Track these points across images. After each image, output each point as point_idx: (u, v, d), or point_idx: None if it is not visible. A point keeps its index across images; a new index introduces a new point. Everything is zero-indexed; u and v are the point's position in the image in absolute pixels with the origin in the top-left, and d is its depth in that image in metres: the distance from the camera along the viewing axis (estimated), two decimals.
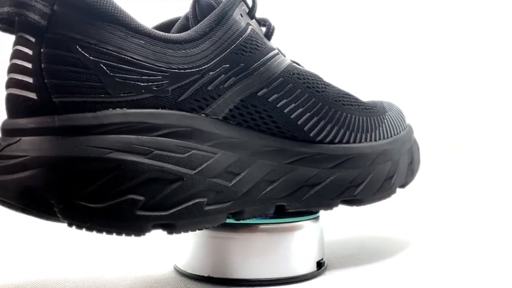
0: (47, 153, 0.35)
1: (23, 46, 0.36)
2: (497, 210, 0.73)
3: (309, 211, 0.46)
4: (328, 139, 0.45)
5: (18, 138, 0.36)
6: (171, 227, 0.38)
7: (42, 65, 0.36)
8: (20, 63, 0.36)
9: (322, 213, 0.47)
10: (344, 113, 0.46)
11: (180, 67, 0.39)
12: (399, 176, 0.50)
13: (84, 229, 0.36)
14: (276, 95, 0.43)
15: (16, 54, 0.37)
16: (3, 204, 0.37)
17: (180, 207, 0.38)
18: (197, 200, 0.38)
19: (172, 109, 0.39)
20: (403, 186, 0.51)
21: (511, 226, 0.64)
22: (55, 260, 0.52)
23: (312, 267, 0.46)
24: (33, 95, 0.36)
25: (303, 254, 0.45)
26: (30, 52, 0.36)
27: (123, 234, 0.37)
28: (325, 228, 0.48)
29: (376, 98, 0.53)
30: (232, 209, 0.41)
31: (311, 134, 0.44)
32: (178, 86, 0.39)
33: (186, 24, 0.45)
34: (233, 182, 0.40)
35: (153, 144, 0.37)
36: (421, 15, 1.00)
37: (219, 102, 0.41)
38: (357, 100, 0.48)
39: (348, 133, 0.46)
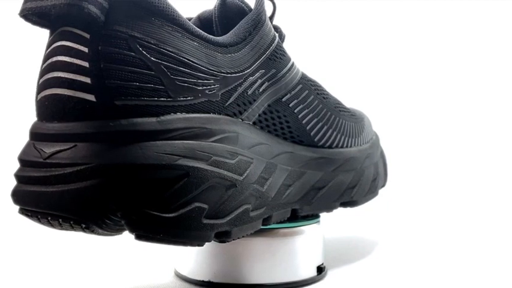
0: (113, 161, 0.32)
1: (74, 42, 0.33)
2: (496, 209, 0.73)
3: (310, 215, 0.47)
4: (327, 143, 0.46)
5: (73, 144, 0.33)
6: (227, 235, 0.37)
7: (102, 65, 0.33)
8: (70, 61, 0.33)
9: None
10: (341, 119, 0.48)
11: (228, 71, 0.38)
12: (380, 178, 0.53)
13: (154, 241, 0.34)
14: (295, 100, 0.44)
15: (63, 51, 0.34)
16: (44, 219, 0.34)
17: (234, 214, 0.37)
18: (245, 206, 0.38)
19: (220, 114, 0.38)
20: (382, 187, 0.54)
21: (509, 225, 0.65)
22: (53, 265, 0.50)
23: (313, 272, 0.46)
24: (90, 97, 0.33)
25: (303, 259, 0.45)
26: (85, 50, 0.33)
27: (188, 245, 0.36)
28: (324, 232, 0.49)
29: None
30: (265, 214, 0.41)
31: (315, 139, 0.45)
32: (227, 91, 0.38)
33: (199, 25, 0.44)
34: (265, 188, 0.40)
35: (211, 150, 0.36)
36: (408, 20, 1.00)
37: (253, 107, 0.41)
38: (346, 107, 0.50)
39: (342, 138, 0.48)
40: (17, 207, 0.35)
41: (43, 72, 0.34)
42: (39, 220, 0.34)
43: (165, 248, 0.48)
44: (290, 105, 0.44)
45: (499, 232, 0.62)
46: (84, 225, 0.33)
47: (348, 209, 0.50)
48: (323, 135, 0.46)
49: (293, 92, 0.44)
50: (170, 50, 0.35)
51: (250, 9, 0.43)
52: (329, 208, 0.47)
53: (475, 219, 0.68)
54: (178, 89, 0.35)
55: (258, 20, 0.42)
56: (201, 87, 0.36)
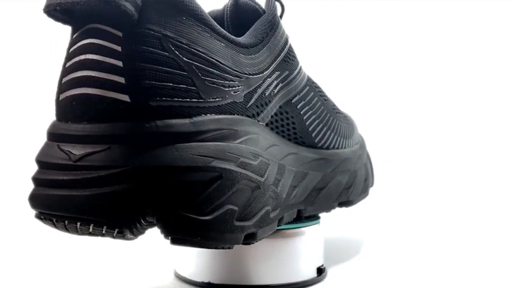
0: (149, 163, 0.31)
1: (105, 40, 0.32)
2: (492, 209, 0.72)
3: (312, 216, 0.47)
4: (326, 144, 0.47)
5: (106, 146, 0.31)
6: (253, 237, 0.37)
7: (136, 64, 0.32)
8: (101, 59, 0.32)
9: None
10: (337, 121, 0.49)
11: (251, 72, 0.38)
12: (370, 178, 0.54)
13: (189, 244, 0.34)
14: (303, 102, 0.44)
15: (92, 49, 0.32)
16: (71, 225, 0.33)
17: (258, 216, 0.37)
18: (266, 208, 0.38)
19: (242, 115, 0.38)
20: (371, 187, 0.55)
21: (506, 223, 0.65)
22: (54, 266, 0.49)
23: (313, 273, 0.46)
24: (125, 97, 0.32)
25: (304, 260, 0.45)
26: (117, 48, 0.32)
27: (220, 248, 0.35)
28: (324, 233, 0.49)
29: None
30: (280, 215, 0.41)
31: (316, 140, 0.46)
32: (248, 92, 0.38)
33: None
34: (279, 189, 0.40)
35: (238, 152, 0.35)
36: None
37: (268, 108, 0.41)
38: (339, 109, 0.51)
39: (338, 139, 0.49)
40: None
41: (67, 71, 0.33)
42: (64, 226, 0.33)
43: (165, 249, 0.49)
44: (298, 106, 0.44)
45: (495, 228, 0.63)
46: (118, 230, 0.32)
47: (348, 210, 0.51)
48: (322, 136, 0.46)
49: (301, 94, 0.44)
50: (200, 50, 0.34)
51: (263, 10, 0.43)
52: (329, 208, 0.48)
53: (470, 217, 0.68)
54: (208, 89, 0.35)
55: (274, 21, 0.42)
56: (227, 88, 0.36)
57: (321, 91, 0.48)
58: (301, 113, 0.44)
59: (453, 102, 0.95)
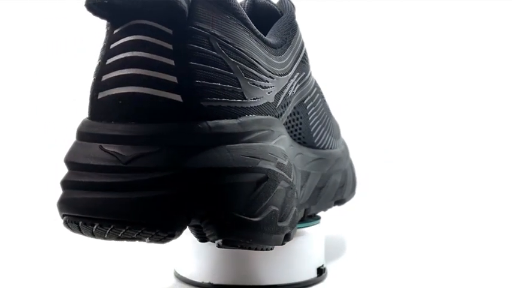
0: (204, 165, 0.31)
1: (154, 37, 0.31)
2: (493, 206, 0.71)
3: (313, 215, 0.47)
4: (322, 144, 0.48)
5: (159, 147, 0.30)
6: (288, 238, 0.37)
7: (189, 63, 0.31)
8: (151, 57, 0.31)
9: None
10: (331, 121, 0.50)
11: (280, 73, 0.38)
12: (355, 177, 0.55)
13: (238, 247, 0.34)
14: (311, 103, 0.45)
15: (140, 46, 0.31)
16: (117, 229, 0.31)
17: (291, 216, 0.37)
18: (294, 208, 0.38)
19: (273, 115, 0.37)
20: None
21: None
22: (53, 267, 0.49)
23: (313, 273, 0.46)
24: (177, 97, 0.31)
25: (304, 260, 0.45)
26: (169, 46, 0.31)
27: (265, 249, 0.35)
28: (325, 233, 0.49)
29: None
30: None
31: (315, 140, 0.46)
32: (278, 93, 0.38)
33: None
34: (296, 188, 0.40)
35: (275, 152, 0.35)
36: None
37: (287, 109, 0.41)
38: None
39: (332, 139, 0.50)
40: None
41: (109, 69, 0.32)
42: (105, 231, 0.31)
43: (165, 249, 0.47)
44: (307, 107, 0.44)
45: (497, 225, 0.63)
46: (170, 233, 0.31)
47: (348, 211, 0.52)
48: (320, 137, 0.47)
49: (311, 95, 0.45)
50: (243, 50, 0.34)
51: (281, 11, 0.43)
52: (327, 207, 0.49)
53: (470, 216, 0.68)
54: (250, 90, 0.34)
55: (293, 22, 0.42)
56: (263, 89, 0.36)
57: (322, 92, 0.48)
58: (308, 113, 0.45)
59: (453, 102, 0.95)
